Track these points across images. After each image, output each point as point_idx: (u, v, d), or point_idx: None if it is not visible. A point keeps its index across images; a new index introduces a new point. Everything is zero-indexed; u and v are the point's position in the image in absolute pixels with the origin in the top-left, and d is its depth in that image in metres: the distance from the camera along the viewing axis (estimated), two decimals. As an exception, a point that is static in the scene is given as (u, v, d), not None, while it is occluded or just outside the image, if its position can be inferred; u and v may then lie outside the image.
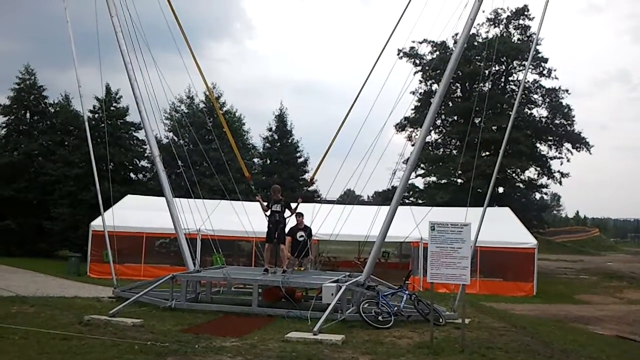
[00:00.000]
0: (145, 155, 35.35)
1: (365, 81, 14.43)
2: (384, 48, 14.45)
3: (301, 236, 14.86)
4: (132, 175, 35.94)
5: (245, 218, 16.17)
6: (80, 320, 10.56)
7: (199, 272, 14.62)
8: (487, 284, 22.14)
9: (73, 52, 16.15)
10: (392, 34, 14.12)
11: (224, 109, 39.20)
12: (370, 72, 14.33)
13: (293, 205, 14.43)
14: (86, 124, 17.11)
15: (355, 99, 14.67)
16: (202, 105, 38.20)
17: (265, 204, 14.28)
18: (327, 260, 22.79)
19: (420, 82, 37.48)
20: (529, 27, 37.42)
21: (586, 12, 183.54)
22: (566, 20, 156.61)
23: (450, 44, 34.97)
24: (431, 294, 10.84)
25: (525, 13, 37.23)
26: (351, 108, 14.78)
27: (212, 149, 26.63)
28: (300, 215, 15.07)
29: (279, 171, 38.60)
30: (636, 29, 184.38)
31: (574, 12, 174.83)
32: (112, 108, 34.78)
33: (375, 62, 14.43)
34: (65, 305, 12.58)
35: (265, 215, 14.25)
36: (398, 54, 36.31)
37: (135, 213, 24.26)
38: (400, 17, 13.86)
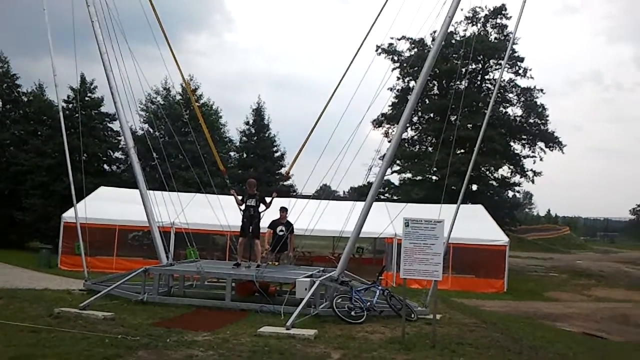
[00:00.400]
0: (120, 146, 34.92)
1: (343, 76, 14.43)
2: (362, 44, 14.46)
3: (281, 230, 14.91)
4: (105, 166, 35.49)
5: (220, 212, 16.09)
6: (50, 313, 10.44)
7: (172, 265, 14.53)
8: (458, 280, 22.40)
9: (49, 41, 15.87)
10: (370, 29, 14.14)
11: (201, 101, 38.93)
12: (348, 67, 14.33)
13: (268, 199, 14.44)
14: (60, 113, 16.85)
15: (332, 94, 14.66)
16: (178, 97, 37.85)
17: (239, 197, 14.27)
18: (302, 255, 22.80)
19: (398, 78, 37.74)
20: (506, 27, 37.88)
21: (562, 12, 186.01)
22: (542, 21, 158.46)
23: (429, 41, 35.30)
24: (403, 289, 10.94)
25: (503, 12, 37.65)
26: (328, 103, 14.79)
27: (187, 142, 26.41)
28: (284, 210, 15.16)
29: (255, 165, 38.50)
30: (610, 30, 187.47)
31: (549, 13, 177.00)
32: (86, 98, 34.24)
33: (353, 58, 14.42)
34: (35, 298, 12.42)
35: (240, 209, 14.23)
36: (376, 50, 36.56)
37: (108, 205, 23.98)
38: (379, 13, 13.90)
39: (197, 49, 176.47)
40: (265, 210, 14.36)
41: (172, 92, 38.63)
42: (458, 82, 36.56)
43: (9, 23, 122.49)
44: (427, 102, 38.41)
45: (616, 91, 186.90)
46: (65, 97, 32.70)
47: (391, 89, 36.53)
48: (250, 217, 14.01)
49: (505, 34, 37.73)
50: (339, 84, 14.46)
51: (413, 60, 35.83)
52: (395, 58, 38.33)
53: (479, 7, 37.15)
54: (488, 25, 38.43)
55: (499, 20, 38.06)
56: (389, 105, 36.54)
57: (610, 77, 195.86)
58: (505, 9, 37.44)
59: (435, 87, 39.26)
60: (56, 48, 16.70)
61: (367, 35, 14.25)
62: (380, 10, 13.83)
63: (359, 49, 14.41)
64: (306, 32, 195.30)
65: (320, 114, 14.83)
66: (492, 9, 37.57)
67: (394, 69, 37.10)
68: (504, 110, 38.14)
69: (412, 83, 36.51)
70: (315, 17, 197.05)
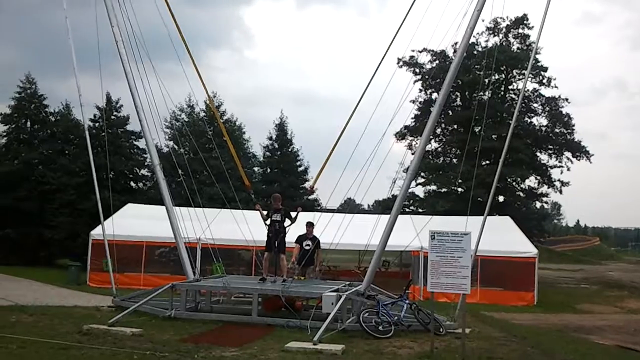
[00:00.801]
0: (146, 164, 35.34)
1: (366, 89, 14.49)
2: (384, 56, 14.52)
3: (307, 245, 14.93)
4: (132, 184, 35.93)
5: (245, 227, 16.14)
6: (79, 330, 10.54)
7: (198, 281, 14.59)
8: (487, 293, 22.05)
9: (74, 62, 16.22)
10: (392, 42, 14.18)
11: (224, 117, 39.25)
12: (371, 80, 14.39)
13: (293, 214, 14.44)
14: (86, 132, 17.16)
15: (355, 107, 14.71)
16: (202, 114, 38.26)
17: (264, 213, 14.30)
18: (328, 269, 22.72)
19: (420, 90, 37.57)
20: (528, 36, 37.47)
21: (583, 21, 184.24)
22: (564, 30, 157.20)
23: (450, 52, 35.13)
24: (431, 303, 10.81)
25: (525, 22, 37.30)
26: (351, 116, 14.82)
27: (212, 158, 26.61)
28: (310, 225, 15.21)
29: (279, 180, 38.60)
30: (633, 37, 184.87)
31: (570, 22, 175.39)
32: (112, 117, 34.82)
33: (376, 70, 14.50)
34: (64, 315, 12.56)
35: (265, 224, 14.26)
36: (398, 63, 36.39)
37: (135, 222, 24.23)
38: (400, 25, 13.92)
39: (217, 65, 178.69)
40: (290, 225, 14.37)
41: (196, 109, 39.14)
42: (481, 93, 36.28)
43: (35, 44, 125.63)
44: (451, 113, 38.15)
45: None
46: (91, 116, 33.30)
47: (413, 101, 36.49)
48: (276, 232, 14.02)
49: (527, 43, 37.35)
50: (361, 97, 14.53)
51: (435, 72, 35.68)
52: (417, 70, 38.21)
53: (500, 18, 36.86)
54: (510, 35, 38.10)
55: (520, 30, 37.70)
56: (412, 118, 36.41)
57: (634, 85, 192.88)
58: (527, 19, 37.11)
59: (458, 99, 39.00)
60: (82, 68, 17.08)
61: (388, 48, 14.29)
62: (402, 23, 13.86)
63: (380, 61, 14.46)
64: (326, 47, 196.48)
65: (343, 127, 14.88)
66: (513, 19, 37.24)
67: (415, 81, 36.90)
68: (529, 121, 37.67)
69: (434, 95, 36.32)
70: (335, 31, 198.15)
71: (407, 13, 13.78)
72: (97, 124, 33.12)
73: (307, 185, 38.48)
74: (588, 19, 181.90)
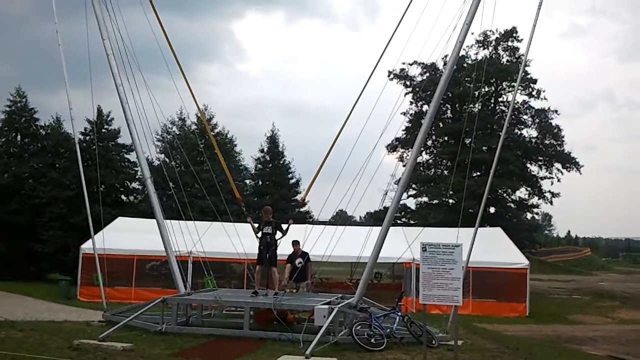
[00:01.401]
0: (137, 177, 35.23)
1: (356, 102, 14.56)
2: (374, 68, 14.63)
3: (299, 262, 14.99)
4: (123, 197, 35.77)
5: (237, 240, 16.10)
6: (70, 345, 10.43)
7: (190, 295, 14.51)
8: (479, 305, 22.07)
9: (65, 75, 16.21)
10: (382, 53, 14.28)
11: (216, 130, 39.29)
12: (362, 91, 14.47)
13: (284, 226, 14.43)
14: (77, 146, 17.10)
15: (347, 119, 14.79)
16: (193, 126, 38.26)
17: (256, 225, 14.28)
18: (320, 281, 22.68)
19: (411, 103, 37.83)
20: (517, 49, 37.85)
21: (570, 34, 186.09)
22: (552, 42, 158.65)
23: (440, 65, 35.37)
24: (424, 315, 10.80)
25: (514, 35, 37.67)
26: (342, 128, 14.89)
27: (203, 171, 26.60)
28: (296, 244, 15.20)
29: (270, 192, 38.56)
30: (620, 50, 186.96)
31: (558, 34, 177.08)
32: (103, 130, 34.73)
33: (367, 81, 14.61)
34: (54, 330, 12.44)
35: (257, 237, 14.23)
36: (389, 76, 36.78)
37: (126, 235, 24.10)
38: (390, 39, 14.04)
39: (209, 78, 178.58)
40: (281, 237, 14.35)
41: (187, 122, 39.14)
42: (471, 105, 36.52)
43: (26, 57, 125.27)
44: (441, 125, 38.37)
45: (629, 110, 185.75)
46: (82, 129, 33.22)
47: (404, 114, 36.55)
48: (267, 245, 13.99)
49: (517, 56, 37.72)
50: (352, 109, 14.62)
51: (425, 85, 35.91)
52: (408, 83, 38.43)
53: (490, 31, 37.17)
54: (499, 48, 38.45)
55: (510, 43, 38.08)
56: (403, 130, 36.55)
57: (622, 96, 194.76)
58: (516, 32, 37.50)
59: (449, 111, 39.25)
60: (72, 81, 17.04)
61: (379, 60, 14.39)
62: (392, 35, 13.97)
63: (371, 74, 14.57)
64: (317, 60, 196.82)
65: (334, 139, 14.95)
66: (503, 32, 37.61)
67: (406, 93, 37.26)
68: (519, 132, 37.98)
69: (425, 107, 36.53)
70: (326, 45, 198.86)
71: (398, 24, 13.89)
72: (87, 137, 33.02)
73: (299, 197, 38.47)
74: (575, 31, 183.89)
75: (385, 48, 14.15)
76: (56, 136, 35.84)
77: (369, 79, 14.57)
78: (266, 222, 14.18)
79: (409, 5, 13.83)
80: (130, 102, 15.45)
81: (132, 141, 16.07)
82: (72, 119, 17.16)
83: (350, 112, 14.68)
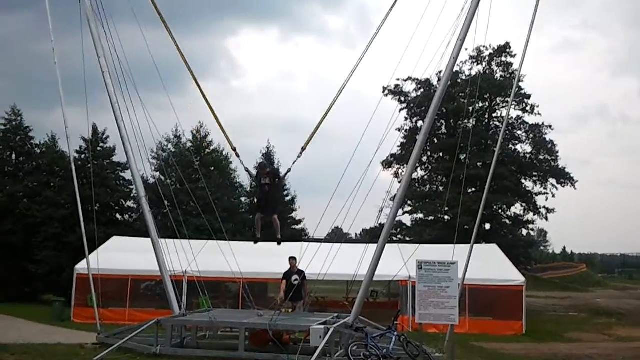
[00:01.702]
0: (132, 195, 35.09)
1: (337, 94, 14.62)
2: (348, 79, 14.71)
3: (295, 280, 14.94)
4: (118, 216, 35.60)
5: (232, 258, 16.03)
6: (63, 369, 10.32)
7: (184, 315, 14.40)
8: (476, 323, 21.92)
9: (60, 94, 16.22)
10: (359, 63, 14.36)
11: (211, 147, 39.25)
12: (334, 102, 14.47)
13: (282, 174, 15.08)
14: (72, 165, 17.08)
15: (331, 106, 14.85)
16: (189, 144, 38.24)
17: (254, 175, 14.83)
18: (316, 300, 22.55)
19: (406, 119, 37.87)
20: (511, 64, 38.05)
21: (563, 48, 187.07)
22: (545, 57, 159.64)
23: (435, 81, 35.57)
24: (420, 334, 10.74)
25: (507, 50, 37.90)
26: (325, 118, 14.91)
27: (198, 189, 26.56)
28: (293, 259, 15.22)
29: (266, 210, 38.41)
30: (613, 64, 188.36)
31: (551, 49, 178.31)
32: (98, 148, 34.64)
33: (338, 94, 14.72)
34: (48, 353, 12.32)
35: (254, 181, 14.66)
36: (383, 92, 36.85)
37: (120, 255, 23.90)
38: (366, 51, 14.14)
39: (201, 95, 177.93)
40: (281, 179, 14.94)
41: (182, 140, 39.11)
42: (466, 121, 36.67)
43: (20, 75, 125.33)
44: (436, 141, 38.49)
45: (623, 125, 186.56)
46: (77, 147, 33.12)
47: (399, 130, 36.71)
48: (266, 194, 14.25)
49: (510, 71, 37.95)
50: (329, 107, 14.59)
51: (420, 101, 36.06)
52: (402, 99, 38.59)
53: (483, 46, 37.43)
54: (493, 63, 38.70)
55: (503, 59, 38.32)
56: (398, 146, 36.57)
57: (616, 111, 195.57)
58: (510, 47, 37.74)
59: (443, 127, 39.39)
60: (68, 99, 17.05)
61: (354, 69, 14.45)
62: (368, 47, 14.03)
63: (344, 86, 14.60)
64: (312, 77, 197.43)
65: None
66: (496, 48, 37.88)
67: (401, 109, 37.34)
68: (513, 148, 38.09)
69: (420, 123, 36.65)
70: (320, 61, 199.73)
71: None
72: (82, 156, 32.94)
73: (295, 215, 38.45)
74: (568, 46, 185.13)
75: (360, 59, 14.26)
76: (51, 154, 35.72)
77: (339, 92, 14.71)
78: (263, 175, 14.45)
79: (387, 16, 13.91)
80: (125, 119, 15.45)
81: (127, 159, 16.05)
82: (68, 138, 17.16)
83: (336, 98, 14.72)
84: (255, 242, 14.62)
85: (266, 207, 14.40)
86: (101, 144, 34.94)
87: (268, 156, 41.32)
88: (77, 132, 37.57)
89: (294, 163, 14.22)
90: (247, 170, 15.09)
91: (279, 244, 14.28)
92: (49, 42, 16.13)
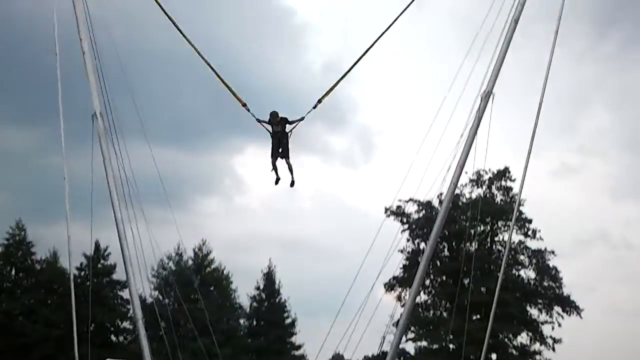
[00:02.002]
0: (129, 315, 34.39)
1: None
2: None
3: (278, 131, 14.22)
4: (113, 337, 34.73)
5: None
6: None
7: None
8: None
9: (67, 214, 16.32)
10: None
11: (213, 265, 39.03)
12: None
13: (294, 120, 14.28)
14: (72, 284, 16.78)
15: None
16: (190, 262, 38.08)
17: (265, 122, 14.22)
18: None
19: (408, 240, 37.79)
20: (511, 189, 38.44)
21: (562, 173, 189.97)
22: (544, 181, 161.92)
23: (436, 203, 35.93)
24: None
25: (507, 175, 38.41)
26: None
27: (197, 309, 26.09)
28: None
29: (265, 333, 37.42)
30: (613, 189, 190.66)
31: (549, 173, 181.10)
32: (99, 265, 34.55)
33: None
34: None
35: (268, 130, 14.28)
36: (385, 212, 37.02)
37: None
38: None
39: (208, 212, 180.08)
40: (294, 127, 14.23)
41: (184, 257, 38.90)
42: (468, 244, 36.58)
43: (26, 188, 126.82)
44: (439, 264, 38.11)
45: (626, 250, 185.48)
46: (78, 264, 33.01)
47: (401, 251, 36.55)
48: (279, 140, 14.10)
49: (510, 195, 38.33)
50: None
51: (422, 222, 36.16)
52: (404, 220, 38.70)
53: (483, 170, 37.92)
54: (493, 187, 39.08)
55: (503, 183, 38.78)
56: (400, 268, 36.18)
57: (618, 236, 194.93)
58: (509, 172, 38.24)
59: (446, 249, 39.12)
60: (72, 214, 17.14)
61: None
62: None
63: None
64: (315, 195, 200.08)
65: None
66: (495, 172, 38.44)
67: (403, 230, 37.34)
68: (516, 273, 37.53)
69: (422, 245, 36.55)
70: (324, 180, 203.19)
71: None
72: (82, 273, 32.77)
73: (294, 339, 37.33)
74: (566, 170, 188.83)
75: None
76: (51, 271, 35.51)
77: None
78: (274, 123, 14.12)
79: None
80: (128, 235, 15.45)
81: (127, 279, 15.87)
82: (70, 255, 16.99)
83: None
84: (276, 182, 14.73)
85: (279, 152, 14.42)
86: (102, 261, 34.86)
87: (269, 275, 40.91)
88: (79, 248, 37.54)
89: (308, 113, 14.16)
90: (258, 120, 15.05)
91: (292, 185, 14.39)
92: (57, 156, 16.48)
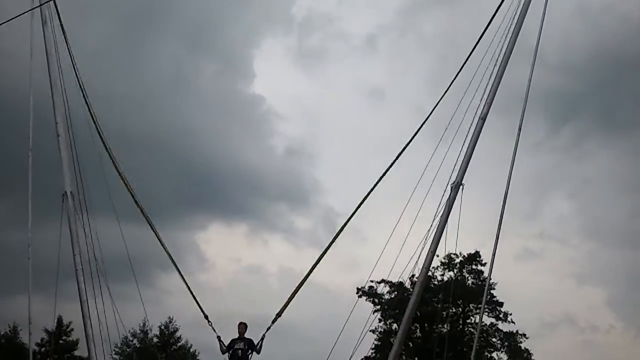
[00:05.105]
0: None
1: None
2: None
3: (239, 348, 13.42)
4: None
5: None
6: None
7: None
8: None
9: (29, 293, 15.86)
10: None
11: (179, 343, 37.86)
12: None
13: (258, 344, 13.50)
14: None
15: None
16: (155, 339, 36.94)
17: (224, 345, 13.46)
18: None
19: (380, 320, 37.44)
20: (481, 272, 38.75)
21: (525, 257, 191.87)
22: (512, 264, 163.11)
23: (407, 284, 35.84)
24: None
25: (478, 259, 38.87)
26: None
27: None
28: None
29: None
30: (576, 273, 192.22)
31: (513, 257, 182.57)
32: (61, 341, 33.29)
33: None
34: None
35: (222, 352, 13.40)
36: (357, 293, 36.78)
37: None
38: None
39: (170, 289, 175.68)
40: (251, 352, 13.36)
41: (149, 335, 37.78)
42: (440, 326, 36.34)
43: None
44: (411, 345, 37.66)
45: (592, 333, 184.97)
46: (38, 340, 31.76)
47: (373, 331, 36.05)
48: (238, 359, 13.18)
49: (481, 279, 38.57)
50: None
51: (394, 303, 35.94)
52: (376, 300, 38.45)
53: (454, 254, 38.22)
54: (464, 270, 39.42)
55: (474, 266, 39.16)
56: (372, 348, 35.60)
57: (583, 320, 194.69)
58: (480, 256, 38.70)
59: (418, 330, 38.81)
60: (33, 287, 16.69)
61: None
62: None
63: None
64: (281, 274, 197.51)
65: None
66: (466, 255, 38.85)
67: (375, 311, 37.03)
68: (489, 355, 37.32)
69: (394, 326, 36.16)
70: (289, 258, 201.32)
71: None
72: (43, 349, 31.47)
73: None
74: (528, 255, 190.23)
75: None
76: (9, 346, 33.99)
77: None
78: (240, 336, 13.35)
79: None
80: (92, 311, 15.05)
81: (88, 356, 15.32)
82: (30, 334, 16.53)
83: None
84: None
85: None
86: (64, 337, 33.62)
87: None
88: (40, 323, 36.24)
89: (267, 330, 13.60)
90: (219, 338, 14.52)
91: None
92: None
